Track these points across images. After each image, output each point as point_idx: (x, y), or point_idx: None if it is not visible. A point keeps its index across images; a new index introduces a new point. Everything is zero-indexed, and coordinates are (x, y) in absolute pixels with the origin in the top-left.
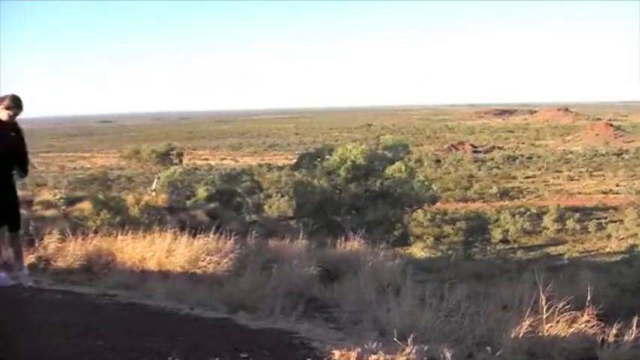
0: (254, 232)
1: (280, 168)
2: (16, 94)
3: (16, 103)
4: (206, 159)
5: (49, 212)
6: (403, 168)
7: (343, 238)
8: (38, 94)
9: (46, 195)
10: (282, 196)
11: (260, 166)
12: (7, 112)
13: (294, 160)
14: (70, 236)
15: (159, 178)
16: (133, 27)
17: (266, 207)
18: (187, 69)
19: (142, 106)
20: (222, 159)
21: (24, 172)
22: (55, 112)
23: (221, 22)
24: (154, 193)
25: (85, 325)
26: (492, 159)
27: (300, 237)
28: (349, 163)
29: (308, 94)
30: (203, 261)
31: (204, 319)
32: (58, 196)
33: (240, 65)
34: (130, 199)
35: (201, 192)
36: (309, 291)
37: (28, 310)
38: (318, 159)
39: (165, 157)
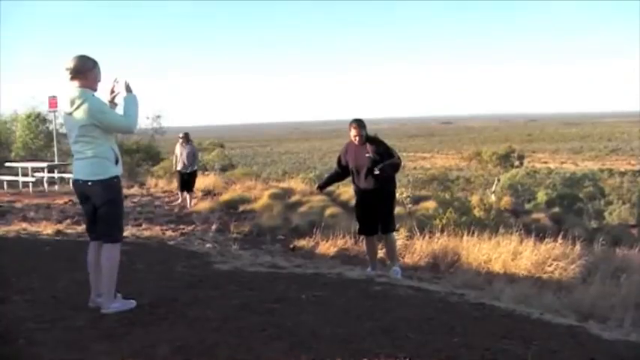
0: (600, 240)
1: (622, 174)
2: (354, 120)
3: (355, 125)
4: (545, 162)
5: (395, 210)
6: None
7: None
8: (390, 97)
9: None
10: (624, 203)
11: (601, 171)
12: (351, 133)
13: (639, 166)
14: (417, 234)
15: (499, 180)
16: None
17: (606, 214)
18: (539, 71)
19: (488, 108)
20: (562, 162)
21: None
22: (401, 114)
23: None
24: (493, 196)
25: (439, 322)
26: None
27: None
28: None
29: None
30: (549, 266)
31: (555, 325)
32: (404, 195)
33: (590, 67)
34: (474, 199)
35: (541, 196)
36: None
37: (384, 304)
38: None
39: (505, 160)
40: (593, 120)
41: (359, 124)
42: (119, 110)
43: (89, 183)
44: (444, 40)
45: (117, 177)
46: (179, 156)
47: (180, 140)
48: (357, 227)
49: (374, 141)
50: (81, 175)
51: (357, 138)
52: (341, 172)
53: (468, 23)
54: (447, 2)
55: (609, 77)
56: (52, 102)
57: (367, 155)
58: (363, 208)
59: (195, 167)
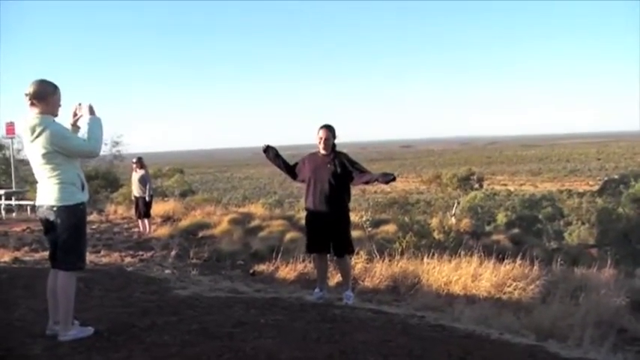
0: (559, 260)
1: (581, 194)
2: (325, 124)
3: (324, 128)
4: (504, 184)
5: (355, 233)
6: None
7: None
8: (349, 121)
9: (351, 217)
10: (583, 223)
11: (560, 192)
12: (319, 135)
13: (598, 187)
14: (377, 257)
15: (459, 202)
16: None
17: (566, 234)
18: (499, 93)
19: (448, 132)
20: (521, 184)
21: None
22: (361, 138)
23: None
24: (453, 218)
25: (398, 344)
26: None
27: (608, 266)
28: None
29: (614, 117)
30: (509, 287)
31: (514, 345)
32: (364, 218)
33: (551, 88)
34: (434, 222)
35: (501, 217)
36: (619, 322)
37: (343, 327)
38: (622, 185)
39: (465, 182)
40: (552, 142)
41: (329, 128)
42: (82, 133)
43: (54, 208)
44: (403, 62)
45: (83, 203)
46: (133, 182)
47: (134, 165)
48: (306, 244)
49: (340, 154)
50: (45, 200)
51: (324, 142)
52: (292, 169)
53: (426, 47)
54: (407, 26)
55: (567, 99)
56: (9, 128)
57: (329, 166)
58: (314, 225)
59: (148, 193)
